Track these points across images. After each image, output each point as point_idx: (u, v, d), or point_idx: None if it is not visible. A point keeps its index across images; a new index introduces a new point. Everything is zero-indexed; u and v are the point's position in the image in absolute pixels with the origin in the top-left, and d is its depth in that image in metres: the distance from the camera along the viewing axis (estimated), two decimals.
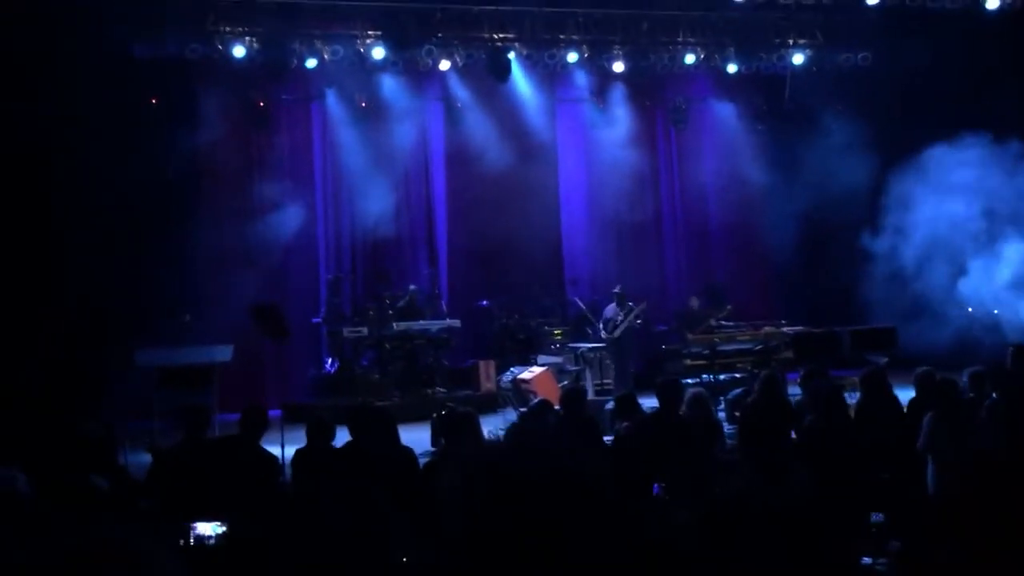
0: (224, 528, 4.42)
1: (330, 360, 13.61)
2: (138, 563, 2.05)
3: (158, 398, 9.98)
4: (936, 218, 12.83)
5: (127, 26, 12.05)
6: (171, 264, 12.59)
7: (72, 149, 11.65)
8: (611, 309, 12.80)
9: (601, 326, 12.86)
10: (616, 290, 12.91)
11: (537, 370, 11.64)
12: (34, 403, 7.64)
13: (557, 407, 8.85)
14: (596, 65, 14.64)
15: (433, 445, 9.34)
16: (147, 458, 7.00)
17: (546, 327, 14.24)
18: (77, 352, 9.41)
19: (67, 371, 8.75)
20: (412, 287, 13.71)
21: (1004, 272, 12.55)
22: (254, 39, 13.03)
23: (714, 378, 11.29)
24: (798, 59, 14.86)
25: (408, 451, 6.85)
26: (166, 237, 12.76)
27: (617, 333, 12.54)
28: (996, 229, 12.81)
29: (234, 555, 4.34)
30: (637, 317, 12.66)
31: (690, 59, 14.63)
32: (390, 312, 13.23)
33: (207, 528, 4.42)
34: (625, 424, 7.27)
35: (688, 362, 11.93)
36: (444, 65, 13.99)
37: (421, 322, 13.24)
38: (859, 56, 14.77)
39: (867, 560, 4.74)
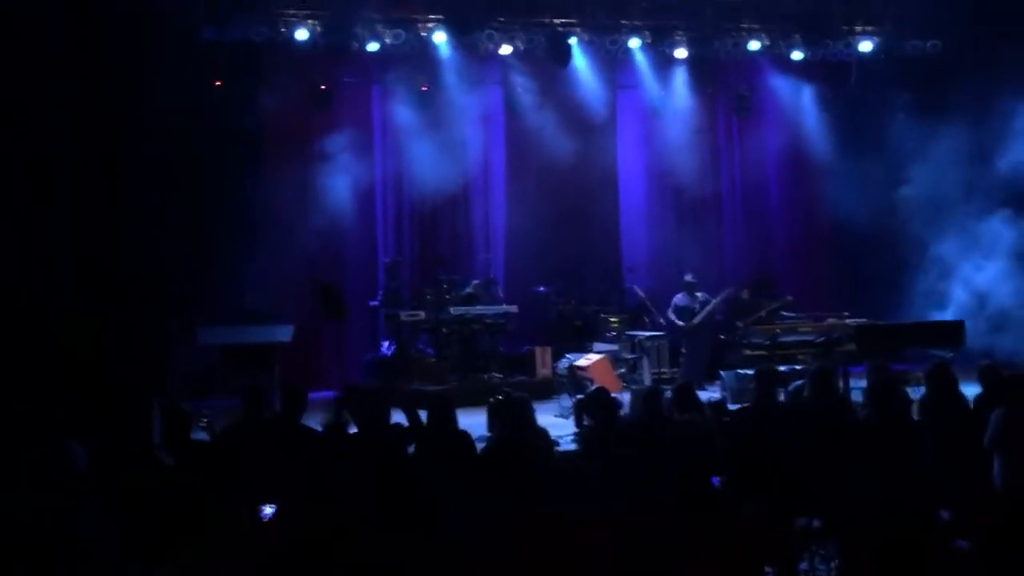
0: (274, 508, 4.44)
1: (387, 343, 13.69)
2: None
3: (220, 376, 10.12)
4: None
5: (197, 9, 12.19)
6: (233, 244, 12.75)
7: (141, 132, 11.83)
8: (682, 298, 12.78)
9: (673, 316, 12.81)
10: (689, 279, 12.85)
11: (594, 357, 11.60)
12: (101, 376, 7.78)
13: (614, 395, 8.85)
14: (658, 51, 14.51)
15: (489, 430, 9.34)
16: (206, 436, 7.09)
17: (603, 314, 14.17)
18: (142, 328, 9.55)
19: (132, 346, 8.90)
20: (476, 281, 13.72)
21: None
22: (317, 22, 13.12)
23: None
24: (865, 46, 14.59)
25: (464, 434, 6.89)
26: (229, 217, 12.92)
27: (697, 320, 12.53)
28: None
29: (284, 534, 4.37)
30: (717, 311, 12.70)
31: (754, 46, 14.44)
32: (447, 296, 13.28)
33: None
34: (686, 415, 7.22)
35: (747, 352, 11.80)
36: (505, 50, 13.96)
37: (478, 307, 13.25)
38: (928, 44, 14.48)
39: None
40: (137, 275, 10.30)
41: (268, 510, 4.50)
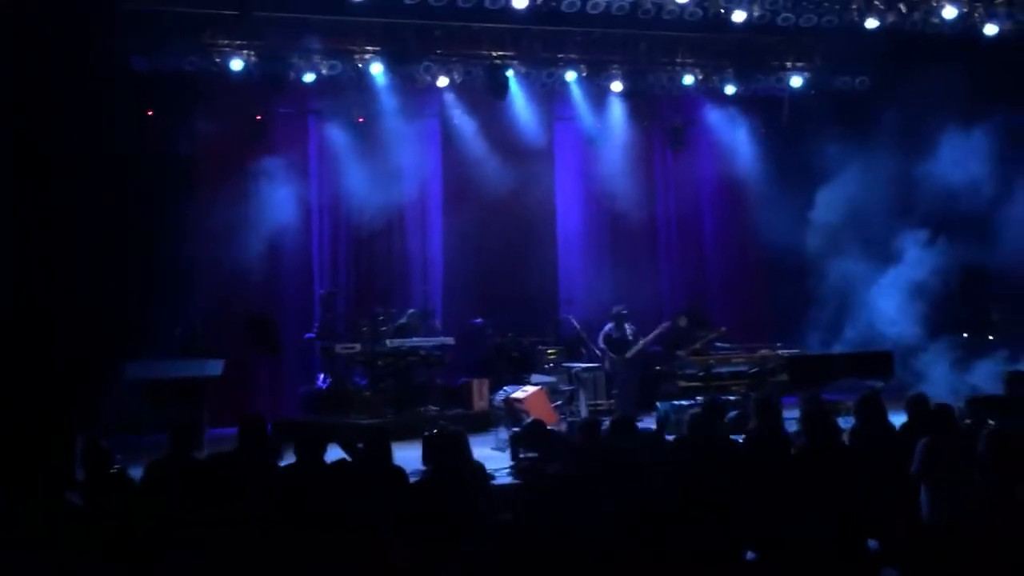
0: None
1: (322, 376, 13.52)
2: None
3: (148, 412, 9.90)
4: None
5: (126, 39, 12.03)
6: (164, 277, 12.54)
7: (68, 161, 11.62)
8: (612, 329, 12.77)
9: (604, 345, 12.80)
10: (622, 310, 12.87)
11: (530, 389, 11.55)
12: (24, 413, 7.56)
13: (550, 427, 8.83)
14: (594, 84, 14.64)
15: (425, 463, 9.24)
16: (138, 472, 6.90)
17: (540, 346, 14.18)
18: (67, 362, 9.33)
19: (57, 381, 8.68)
20: (411, 310, 13.65)
21: None
22: (252, 53, 13.02)
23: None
24: (796, 82, 14.89)
25: (399, 469, 6.81)
26: (159, 250, 12.72)
27: (631, 353, 12.55)
28: None
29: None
30: (653, 342, 12.73)
31: (688, 80, 14.64)
32: (383, 329, 13.17)
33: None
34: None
35: (682, 383, 11.88)
36: (442, 82, 13.99)
37: (414, 339, 13.16)
38: (856, 80, 14.83)
39: None
40: (64, 308, 10.08)
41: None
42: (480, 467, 6.99)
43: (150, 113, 13.07)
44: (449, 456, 6.72)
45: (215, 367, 10.50)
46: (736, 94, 15.03)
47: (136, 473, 6.76)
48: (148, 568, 4.59)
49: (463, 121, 14.69)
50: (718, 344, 12.73)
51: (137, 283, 12.18)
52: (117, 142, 12.10)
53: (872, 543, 5.35)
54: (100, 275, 11.41)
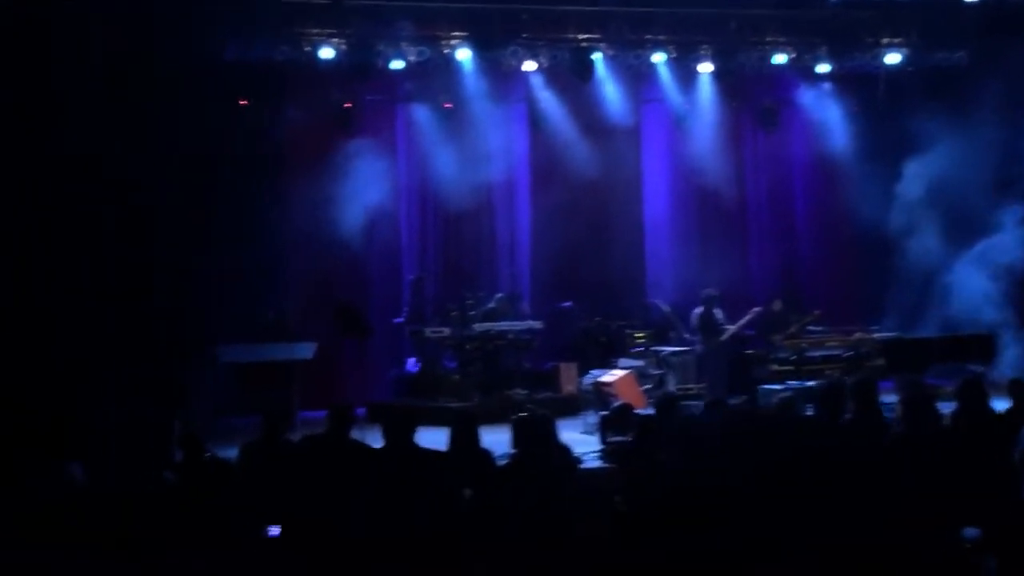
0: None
1: (412, 360, 13.66)
2: None
3: (241, 395, 10.12)
4: None
5: (220, 29, 12.26)
6: (256, 263, 12.80)
7: (162, 152, 11.90)
8: (702, 311, 12.55)
9: (696, 328, 12.62)
10: (713, 293, 12.67)
11: (619, 373, 11.52)
12: (117, 399, 7.80)
13: (637, 411, 8.77)
14: (682, 65, 14.44)
15: (514, 447, 9.27)
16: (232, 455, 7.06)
17: (628, 330, 14.08)
18: (163, 347, 9.60)
19: (153, 367, 8.93)
20: (499, 294, 13.70)
21: None
22: (342, 41, 13.16)
23: (802, 384, 11.02)
24: (892, 58, 14.45)
25: (486, 453, 6.83)
26: (251, 237, 12.97)
27: (724, 338, 12.37)
28: None
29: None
30: (747, 326, 12.52)
31: (780, 59, 14.33)
32: (471, 313, 13.25)
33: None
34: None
35: (774, 367, 11.68)
36: (528, 66, 13.95)
37: (502, 323, 13.21)
38: (955, 55, 14.34)
39: None
40: (160, 294, 10.35)
41: (274, 531, 4.44)
42: (567, 450, 6.98)
43: (243, 103, 13.29)
44: (537, 439, 6.72)
45: (306, 350, 10.69)
46: (829, 72, 14.66)
47: (230, 454, 6.93)
48: (239, 546, 4.68)
49: (550, 104, 14.63)
50: (810, 327, 12.48)
51: (230, 269, 12.45)
52: (211, 132, 12.35)
53: (973, 531, 5.18)
54: (195, 262, 11.68)
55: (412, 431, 6.65)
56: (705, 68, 14.46)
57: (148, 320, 9.25)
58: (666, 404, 7.64)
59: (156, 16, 11.08)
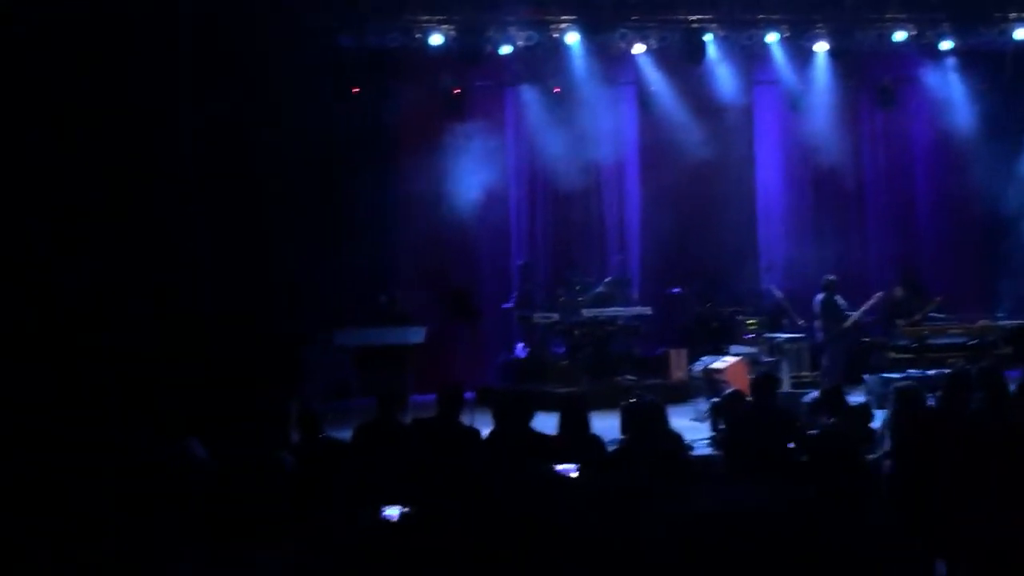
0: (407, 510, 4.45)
1: (520, 345, 13.71)
2: None
3: (355, 377, 10.31)
4: None
5: (332, 18, 12.45)
6: (368, 247, 13.01)
7: (278, 140, 12.15)
8: (824, 297, 12.24)
9: (819, 314, 12.31)
10: (833, 279, 12.37)
11: (730, 360, 11.35)
12: (237, 380, 8.03)
13: (749, 398, 8.60)
14: (796, 45, 14.08)
15: (623, 433, 9.22)
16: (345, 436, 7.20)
17: (739, 316, 13.84)
18: (279, 330, 9.84)
19: (272, 350, 9.16)
20: (608, 279, 13.64)
21: None
22: (451, 27, 13.23)
23: (923, 373, 10.67)
24: (1020, 34, 13.81)
25: (596, 438, 6.81)
26: (363, 220, 13.19)
27: (850, 323, 12.07)
28: None
29: (421, 537, 4.38)
30: (870, 311, 12.18)
31: (899, 36, 13.85)
32: (580, 299, 13.22)
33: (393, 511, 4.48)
34: (832, 420, 6.96)
35: (893, 355, 11.33)
36: (638, 49, 13.81)
37: (611, 309, 13.15)
38: None
39: None
40: (274, 278, 10.60)
41: (391, 512, 4.49)
42: (678, 437, 6.91)
43: (356, 90, 13.49)
44: (646, 426, 6.67)
45: (418, 334, 10.84)
46: (952, 49, 14.11)
47: (344, 435, 7.07)
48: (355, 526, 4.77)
49: (659, 87, 14.44)
50: (932, 314, 12.06)
51: (344, 254, 12.68)
52: (324, 119, 12.56)
53: None
54: (310, 247, 11.93)
55: (529, 416, 6.67)
56: (820, 47, 14.08)
57: (267, 304, 9.49)
58: (762, 385, 7.51)
59: (271, 5, 11.30)
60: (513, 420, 6.55)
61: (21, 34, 8.86)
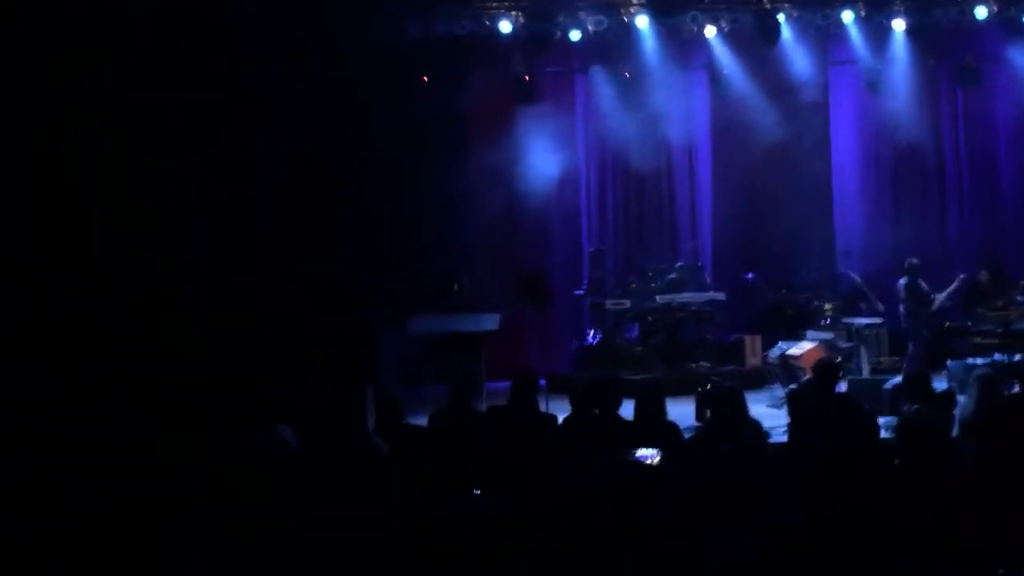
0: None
1: (592, 332, 13.66)
2: None
3: (429, 364, 10.38)
4: None
5: (402, 7, 12.50)
6: (441, 235, 13.08)
7: (350, 131, 12.25)
8: (908, 280, 11.98)
9: (904, 298, 12.04)
10: (916, 262, 12.11)
11: (807, 346, 11.17)
12: (314, 367, 8.13)
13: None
14: (874, 23, 13.76)
15: (697, 419, 9.14)
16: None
17: (815, 301, 13.60)
18: (355, 317, 9.96)
19: (346, 336, 9.26)
20: (680, 263, 13.53)
21: None
22: (520, 14, 13.20)
23: (1008, 358, 10.37)
24: None
25: (672, 425, 6.76)
26: (435, 208, 13.25)
27: (935, 307, 11.83)
28: None
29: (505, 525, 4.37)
30: (954, 295, 11.89)
31: (982, 12, 13.45)
32: (652, 285, 13.12)
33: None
34: (915, 407, 6.80)
35: (978, 340, 11.04)
36: (709, 31, 13.62)
37: (684, 295, 13.05)
38: None
39: None
40: (349, 265, 10.71)
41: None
42: (757, 424, 6.83)
43: (425, 79, 13.53)
44: (726, 412, 6.59)
45: (491, 322, 10.87)
46: None
47: (419, 422, 7.11)
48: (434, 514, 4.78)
49: (732, 70, 14.22)
50: (1018, 298, 11.72)
51: (417, 241, 12.75)
52: (393, 109, 12.63)
53: None
54: (385, 235, 12.03)
55: (616, 403, 6.65)
56: (898, 25, 13.74)
57: (344, 293, 9.61)
58: (824, 371, 7.39)
59: None
60: (602, 405, 6.53)
61: (63, 30, 8.95)
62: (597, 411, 6.54)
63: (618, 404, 6.62)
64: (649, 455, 5.04)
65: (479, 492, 4.59)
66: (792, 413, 7.04)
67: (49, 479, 4.67)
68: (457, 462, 5.68)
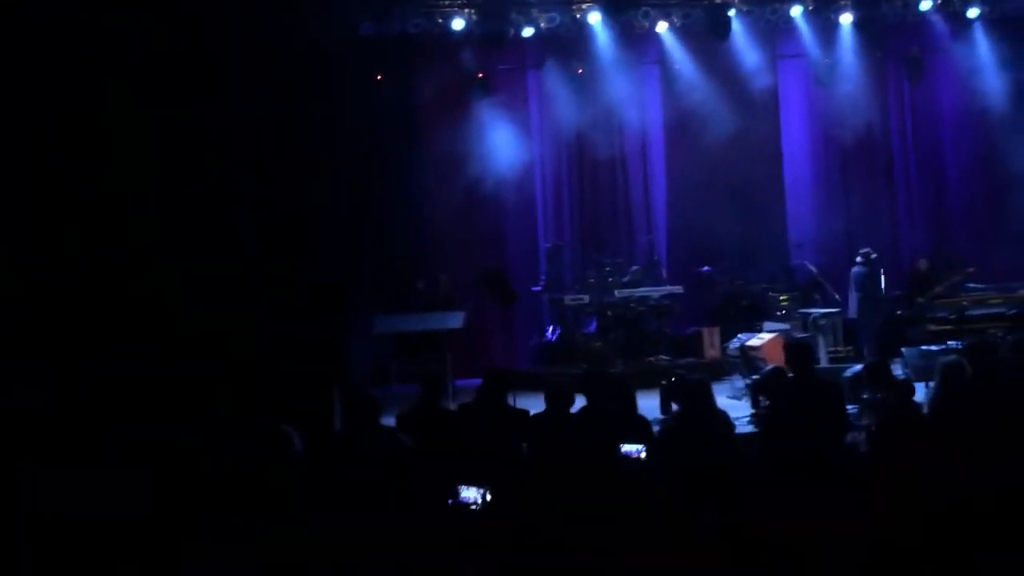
0: (486, 492, 4.46)
1: (551, 328, 13.69)
2: None
3: (396, 364, 10.34)
4: None
5: (355, 5, 12.40)
6: (400, 233, 13.02)
7: (303, 131, 12.12)
8: (861, 270, 12.21)
9: (855, 287, 12.23)
10: (868, 251, 12.33)
11: (767, 337, 11.30)
12: (285, 366, 8.06)
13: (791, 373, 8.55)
14: (822, 17, 13.97)
15: (662, 412, 9.20)
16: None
17: (771, 292, 13.77)
18: (319, 316, 9.87)
19: (312, 336, 9.18)
20: (635, 267, 13.60)
21: None
22: (472, 11, 13.18)
23: (963, 344, 10.56)
24: None
25: (643, 419, 6.81)
26: (392, 207, 13.17)
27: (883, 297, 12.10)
28: None
29: (495, 520, 4.38)
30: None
31: (926, 5, 13.71)
32: (610, 280, 13.18)
33: (470, 493, 4.48)
34: (879, 396, 6.91)
35: (932, 327, 11.26)
36: (661, 27, 13.75)
37: (642, 289, 13.13)
38: None
39: None
40: (312, 266, 10.59)
41: (469, 494, 4.49)
42: (725, 415, 6.90)
43: (379, 78, 13.45)
44: (694, 404, 6.66)
45: (456, 319, 10.86)
46: (980, 16, 13.95)
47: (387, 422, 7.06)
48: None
49: (684, 65, 14.33)
50: (970, 285, 11.97)
51: (376, 240, 12.68)
52: (348, 108, 12.52)
53: None
54: (342, 234, 11.93)
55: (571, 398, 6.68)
56: (845, 19, 13.98)
57: (310, 293, 9.52)
58: (797, 352, 7.48)
59: None
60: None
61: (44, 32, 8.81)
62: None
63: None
64: (635, 450, 5.07)
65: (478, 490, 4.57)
66: (770, 397, 7.11)
67: (49, 479, 4.60)
68: (441, 461, 5.68)
